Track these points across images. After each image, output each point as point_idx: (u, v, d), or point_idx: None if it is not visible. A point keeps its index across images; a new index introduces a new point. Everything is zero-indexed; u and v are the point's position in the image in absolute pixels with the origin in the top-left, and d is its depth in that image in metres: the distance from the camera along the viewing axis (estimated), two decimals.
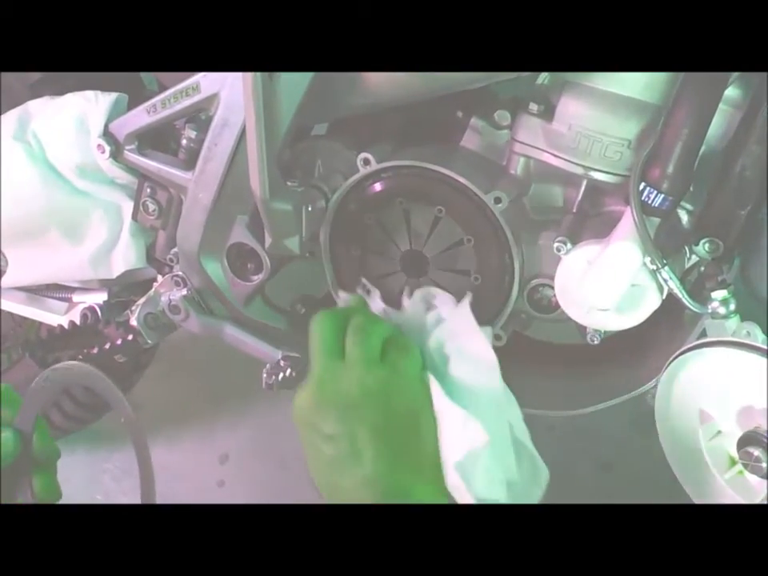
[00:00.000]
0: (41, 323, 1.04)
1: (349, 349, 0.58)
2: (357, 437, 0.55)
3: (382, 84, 0.72)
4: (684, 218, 0.73)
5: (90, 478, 1.34)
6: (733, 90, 0.67)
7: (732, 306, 0.69)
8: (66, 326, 0.92)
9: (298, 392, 0.59)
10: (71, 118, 0.86)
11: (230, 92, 0.75)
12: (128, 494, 1.33)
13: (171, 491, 1.32)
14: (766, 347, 0.65)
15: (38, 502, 0.54)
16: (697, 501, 0.73)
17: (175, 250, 0.87)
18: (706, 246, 0.70)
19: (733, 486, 0.71)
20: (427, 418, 0.58)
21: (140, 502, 0.54)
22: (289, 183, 0.76)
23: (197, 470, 1.36)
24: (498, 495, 0.57)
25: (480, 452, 0.57)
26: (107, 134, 0.84)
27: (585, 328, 0.79)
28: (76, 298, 1.00)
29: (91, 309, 0.95)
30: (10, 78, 0.94)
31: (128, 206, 0.89)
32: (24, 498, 0.54)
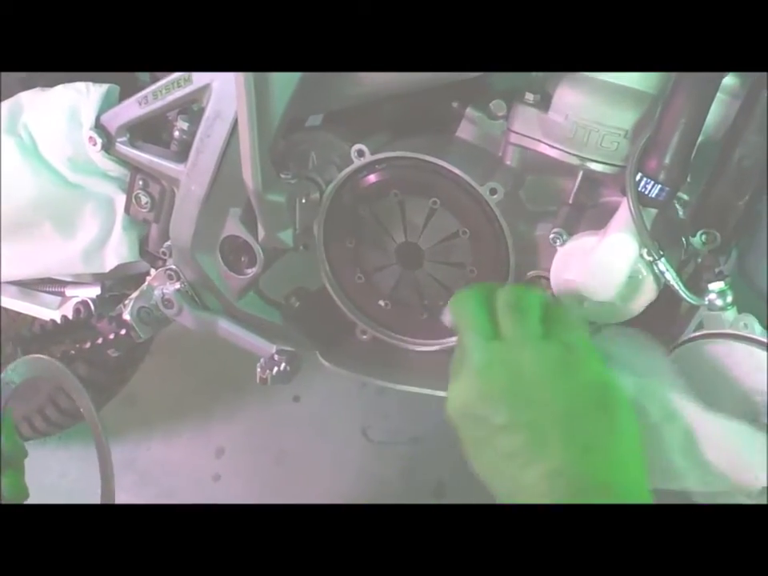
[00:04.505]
0: (34, 318, 1.03)
1: (507, 328, 0.51)
2: (538, 424, 0.48)
3: (376, 74, 0.71)
4: (681, 209, 0.73)
5: (87, 473, 1.33)
6: (731, 78, 0.66)
7: (729, 298, 0.68)
8: (58, 321, 0.91)
9: (452, 384, 0.52)
10: (62, 110, 0.85)
11: (222, 83, 0.75)
12: (125, 490, 1.33)
13: (167, 485, 1.32)
14: (763, 339, 0.65)
15: (3, 502, 0.53)
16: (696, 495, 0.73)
17: (168, 243, 0.87)
18: (703, 237, 0.69)
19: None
20: (616, 395, 0.50)
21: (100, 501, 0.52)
22: (282, 175, 0.75)
23: (192, 464, 1.36)
24: None
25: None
26: (99, 126, 0.83)
27: None
28: (69, 292, 1.00)
29: (84, 303, 0.95)
30: None
31: (120, 199, 0.88)
32: None
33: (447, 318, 0.56)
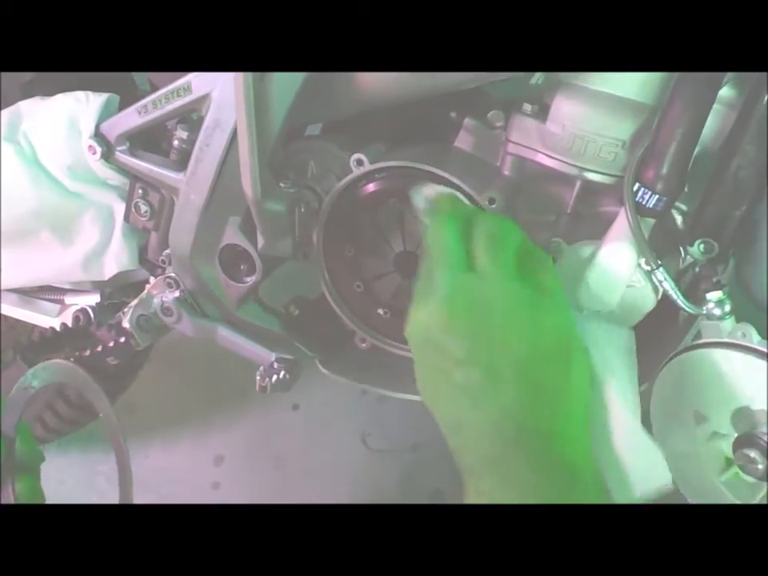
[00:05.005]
0: (34, 326, 1.04)
1: (482, 260, 0.51)
2: (497, 364, 0.48)
3: (375, 84, 0.72)
4: (678, 218, 0.73)
5: (85, 480, 1.34)
6: (728, 89, 0.67)
7: (727, 308, 0.68)
8: (57, 329, 0.91)
9: (417, 306, 0.51)
10: (62, 119, 0.86)
11: (221, 92, 0.75)
12: None
13: (167, 493, 1.32)
14: (761, 348, 0.65)
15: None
16: (693, 503, 0.73)
17: (167, 251, 0.87)
18: (701, 246, 0.69)
19: (729, 488, 0.71)
20: (578, 345, 0.51)
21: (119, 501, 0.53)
22: (281, 184, 0.76)
23: (192, 472, 1.36)
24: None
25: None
26: (98, 135, 0.84)
27: None
28: (68, 299, 1.00)
29: (83, 311, 0.95)
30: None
31: (120, 208, 0.89)
32: (6, 501, 0.54)
33: (418, 205, 0.58)
